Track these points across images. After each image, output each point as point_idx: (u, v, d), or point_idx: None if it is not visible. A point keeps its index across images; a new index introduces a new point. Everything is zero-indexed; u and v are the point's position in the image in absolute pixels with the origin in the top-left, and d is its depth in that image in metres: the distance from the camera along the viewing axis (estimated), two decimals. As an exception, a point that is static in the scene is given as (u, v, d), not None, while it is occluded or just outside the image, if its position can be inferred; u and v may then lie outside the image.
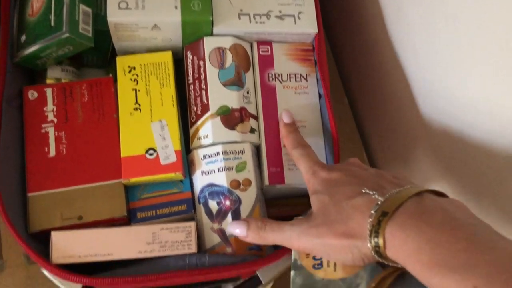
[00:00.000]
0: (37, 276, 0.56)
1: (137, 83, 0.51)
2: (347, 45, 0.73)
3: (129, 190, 0.50)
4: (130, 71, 0.52)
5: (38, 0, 0.52)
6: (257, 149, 0.52)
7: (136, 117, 0.50)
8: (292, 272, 0.42)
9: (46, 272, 0.45)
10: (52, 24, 0.50)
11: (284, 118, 0.50)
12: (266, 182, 0.50)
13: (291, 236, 0.40)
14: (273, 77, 0.54)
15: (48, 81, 0.54)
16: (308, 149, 0.47)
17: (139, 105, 0.50)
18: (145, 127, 0.50)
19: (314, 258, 0.42)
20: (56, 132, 0.50)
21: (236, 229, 0.43)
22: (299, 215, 0.57)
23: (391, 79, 0.60)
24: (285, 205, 0.57)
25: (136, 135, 0.49)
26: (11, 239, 0.57)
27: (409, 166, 0.61)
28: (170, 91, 0.51)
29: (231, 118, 0.50)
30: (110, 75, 0.53)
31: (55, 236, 0.44)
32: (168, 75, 0.52)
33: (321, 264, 0.41)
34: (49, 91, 0.52)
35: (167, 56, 0.52)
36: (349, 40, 0.72)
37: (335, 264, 0.41)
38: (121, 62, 0.53)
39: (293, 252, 0.43)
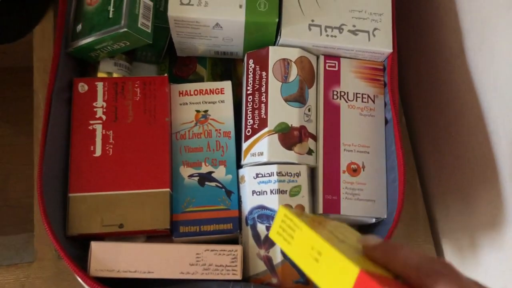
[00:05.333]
0: (65, 272, 0.54)
1: (324, 227, 0.36)
2: (412, 76, 0.68)
3: (174, 201, 0.47)
4: (307, 217, 0.36)
5: (99, -12, 0.49)
6: (311, 172, 0.49)
7: None
8: None
9: (80, 280, 0.43)
10: (110, 16, 0.47)
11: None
12: (320, 210, 0.46)
13: None
14: (338, 95, 0.50)
15: (100, 75, 0.51)
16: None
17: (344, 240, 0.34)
18: None
19: None
20: (104, 130, 0.48)
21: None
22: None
23: (465, 113, 0.55)
24: (332, 231, 0.54)
25: None
26: (43, 231, 0.55)
27: (469, 204, 0.57)
28: None
29: (290, 136, 0.47)
30: (166, 75, 0.50)
31: (95, 247, 0.41)
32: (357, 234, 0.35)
33: None
34: (100, 85, 0.49)
35: None
36: (415, 71, 0.67)
37: None
38: (291, 210, 0.36)
39: None
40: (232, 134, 0.49)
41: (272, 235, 0.36)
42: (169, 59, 0.56)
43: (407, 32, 0.67)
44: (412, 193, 0.63)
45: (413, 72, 0.67)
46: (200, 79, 0.55)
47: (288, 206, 0.44)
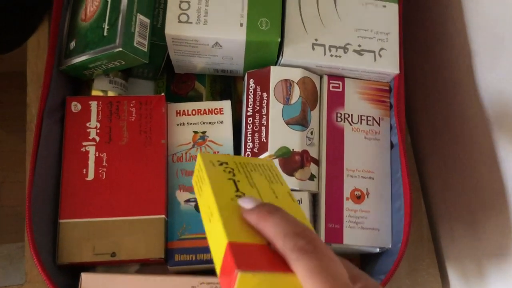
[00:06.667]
0: (58, 295, 0.53)
1: (234, 175, 0.34)
2: (419, 95, 0.66)
3: (169, 228, 0.45)
4: (221, 164, 0.35)
5: (93, 3, 0.47)
6: (313, 198, 0.47)
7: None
8: None
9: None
10: (105, 33, 0.45)
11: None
12: (322, 239, 0.44)
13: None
14: (342, 117, 0.47)
15: (94, 93, 0.49)
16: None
17: (243, 194, 0.32)
18: None
19: None
20: (97, 153, 0.46)
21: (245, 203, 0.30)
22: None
23: (474, 136, 0.53)
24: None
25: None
26: (35, 253, 0.53)
27: (476, 228, 0.55)
28: (283, 188, 0.34)
29: (291, 162, 0.45)
30: (163, 94, 0.48)
31: (86, 279, 0.39)
32: (276, 175, 0.35)
33: None
34: (94, 105, 0.47)
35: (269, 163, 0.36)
36: (421, 90, 0.65)
37: None
38: (206, 158, 0.35)
39: None
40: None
41: (193, 182, 0.34)
42: (167, 75, 0.54)
43: (413, 51, 0.65)
44: (417, 215, 0.60)
45: (420, 91, 0.65)
46: (199, 96, 0.53)
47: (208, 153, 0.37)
